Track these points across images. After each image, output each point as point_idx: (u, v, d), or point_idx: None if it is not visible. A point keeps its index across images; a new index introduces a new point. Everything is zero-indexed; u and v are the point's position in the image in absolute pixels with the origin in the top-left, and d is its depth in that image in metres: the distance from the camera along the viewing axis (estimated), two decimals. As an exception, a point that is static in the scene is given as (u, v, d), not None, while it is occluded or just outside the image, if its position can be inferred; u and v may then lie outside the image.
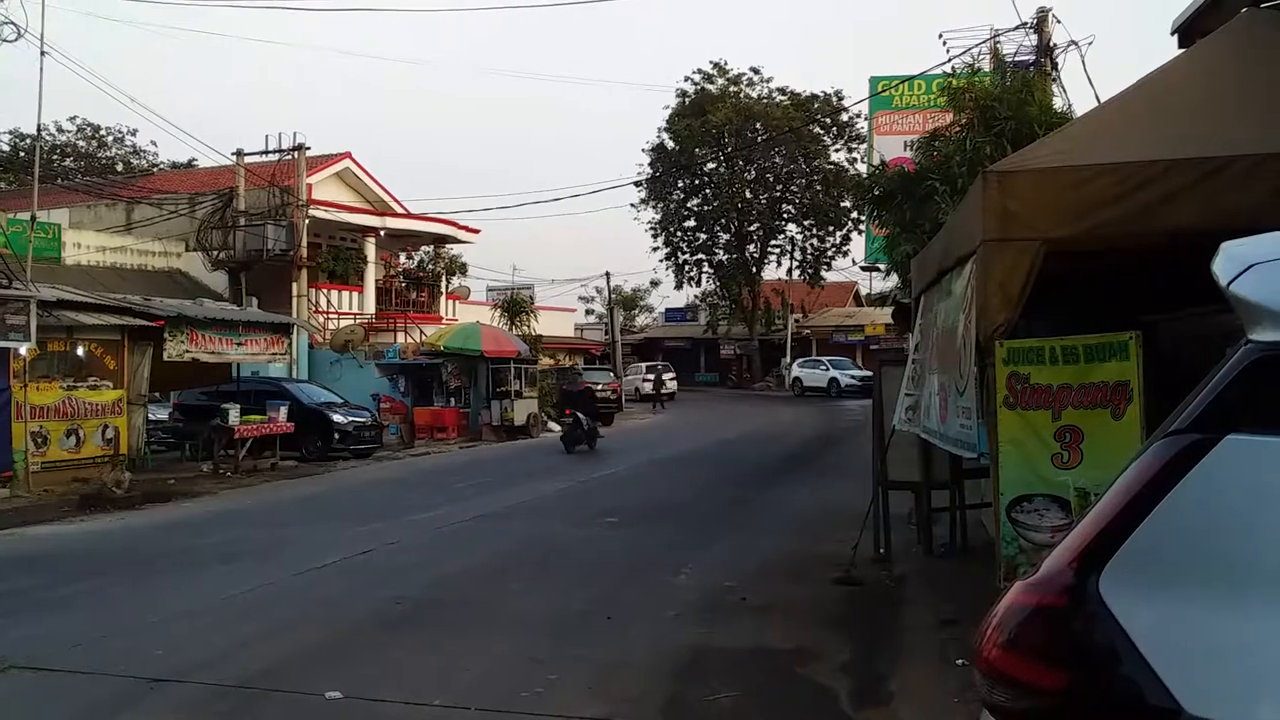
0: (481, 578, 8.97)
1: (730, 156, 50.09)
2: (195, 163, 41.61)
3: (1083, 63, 15.23)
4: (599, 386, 31.93)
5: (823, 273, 53.66)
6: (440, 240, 35.12)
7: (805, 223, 53.06)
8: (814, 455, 20.39)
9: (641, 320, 70.03)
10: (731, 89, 51.12)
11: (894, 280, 19.51)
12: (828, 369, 44.41)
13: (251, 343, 19.22)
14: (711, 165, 51.33)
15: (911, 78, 25.04)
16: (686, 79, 52.12)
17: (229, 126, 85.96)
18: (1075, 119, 10.06)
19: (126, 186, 33.08)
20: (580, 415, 21.56)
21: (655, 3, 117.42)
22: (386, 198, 33.19)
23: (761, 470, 17.51)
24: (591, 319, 62.96)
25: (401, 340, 30.48)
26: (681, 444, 23.05)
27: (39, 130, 17.77)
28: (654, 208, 53.53)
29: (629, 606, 7.82)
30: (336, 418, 20.61)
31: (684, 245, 54.40)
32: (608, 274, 51.97)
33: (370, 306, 31.86)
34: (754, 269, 53.97)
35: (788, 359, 52.48)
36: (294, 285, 27.93)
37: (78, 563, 9.89)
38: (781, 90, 51.14)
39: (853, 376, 41.86)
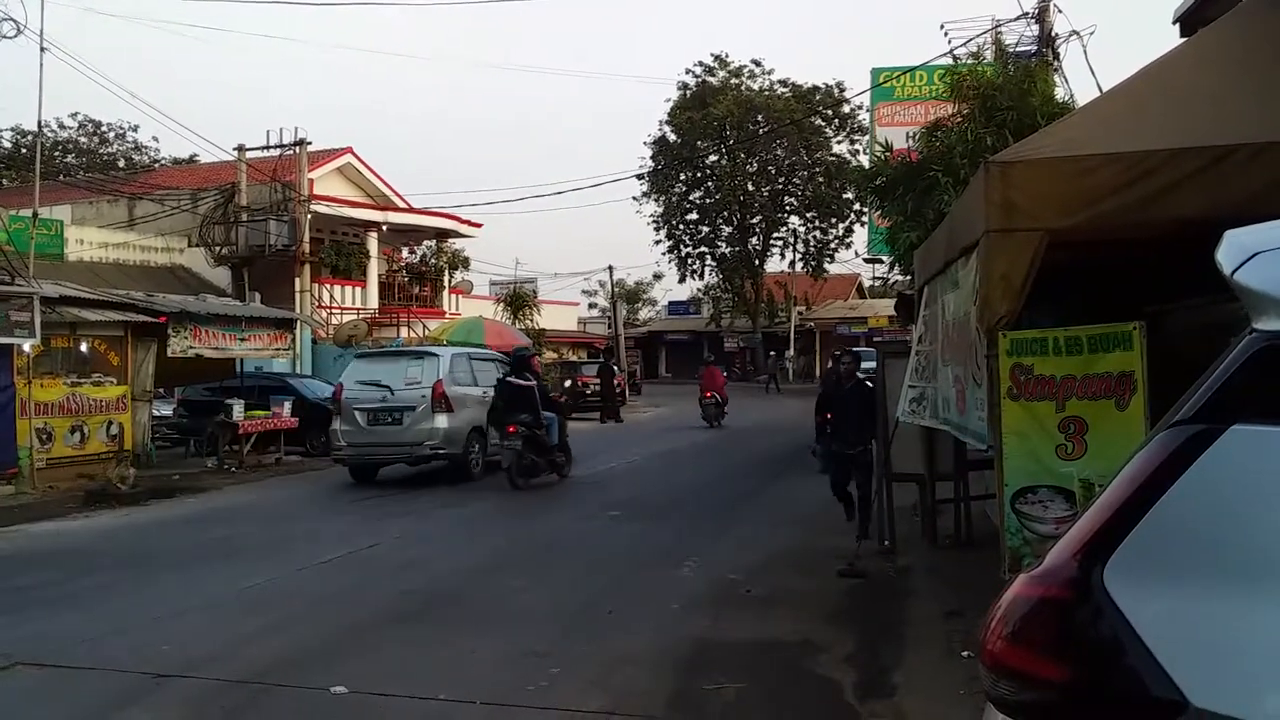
0: (486, 572, 8.98)
1: (732, 149, 50.04)
2: (197, 158, 41.57)
3: (1084, 53, 15.24)
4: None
5: (825, 265, 53.60)
6: (442, 234, 35.11)
7: (808, 215, 52.99)
8: (818, 447, 20.36)
9: (645, 314, 70.00)
10: (733, 81, 51.03)
11: (896, 271, 19.48)
12: None
13: (255, 338, 19.22)
14: (713, 158, 51.27)
15: (913, 68, 24.96)
16: (688, 71, 52.09)
17: (230, 122, 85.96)
18: (1077, 109, 10.03)
19: (128, 182, 33.10)
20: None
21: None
22: (388, 192, 33.19)
23: (766, 462, 17.51)
24: (595, 313, 62.90)
25: (404, 335, 30.48)
26: (685, 437, 23.05)
27: (40, 127, 17.79)
28: (656, 201, 53.48)
29: (633, 600, 7.83)
30: (340, 412, 20.56)
31: (686, 238, 54.35)
32: (610, 267, 51.88)
33: (373, 301, 31.87)
34: (756, 261, 53.92)
35: (791, 351, 52.48)
36: (297, 280, 27.92)
37: (83, 559, 9.91)
38: (783, 82, 51.07)
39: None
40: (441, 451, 15.26)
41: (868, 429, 9.51)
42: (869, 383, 10.03)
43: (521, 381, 14.85)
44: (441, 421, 15.13)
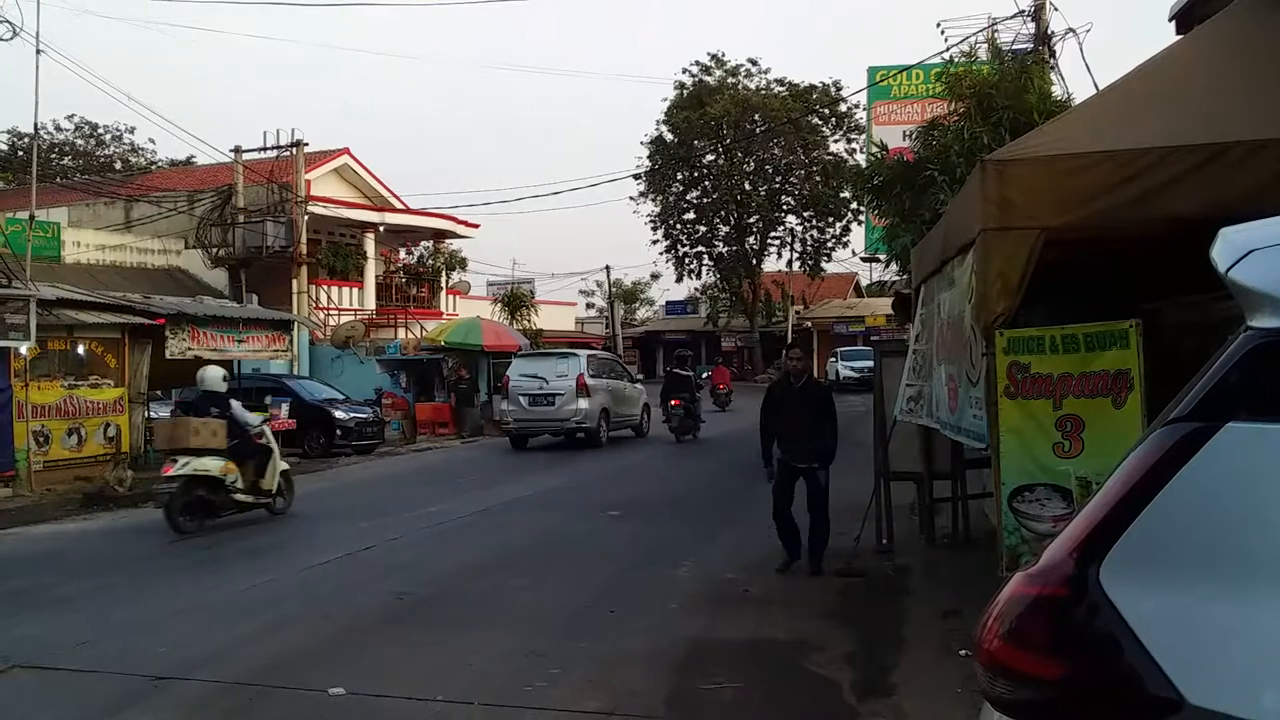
0: (484, 572, 8.97)
1: (729, 148, 49.99)
2: (194, 160, 41.61)
3: (1081, 50, 15.30)
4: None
5: (823, 264, 53.59)
6: (439, 235, 35.09)
7: (805, 214, 52.94)
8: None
9: (642, 314, 70.03)
10: (729, 81, 50.98)
11: (893, 270, 19.46)
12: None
13: (252, 340, 19.20)
14: (710, 157, 51.22)
15: (909, 67, 24.97)
16: (684, 71, 52.03)
17: (227, 123, 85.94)
18: (1073, 107, 10.03)
19: (125, 184, 33.05)
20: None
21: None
22: (385, 193, 33.15)
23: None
24: (592, 313, 62.97)
25: (402, 336, 30.46)
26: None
27: (36, 129, 17.62)
28: (653, 200, 53.42)
29: (631, 599, 7.82)
30: (338, 414, 20.58)
31: (684, 238, 54.30)
32: (608, 267, 52.09)
33: (370, 302, 31.84)
34: (754, 261, 53.89)
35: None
36: (294, 282, 27.90)
37: (80, 561, 9.90)
38: (780, 81, 51.03)
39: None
40: (583, 426, 20.24)
41: (823, 438, 8.37)
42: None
43: (682, 372, 22.77)
44: (583, 404, 20.15)
